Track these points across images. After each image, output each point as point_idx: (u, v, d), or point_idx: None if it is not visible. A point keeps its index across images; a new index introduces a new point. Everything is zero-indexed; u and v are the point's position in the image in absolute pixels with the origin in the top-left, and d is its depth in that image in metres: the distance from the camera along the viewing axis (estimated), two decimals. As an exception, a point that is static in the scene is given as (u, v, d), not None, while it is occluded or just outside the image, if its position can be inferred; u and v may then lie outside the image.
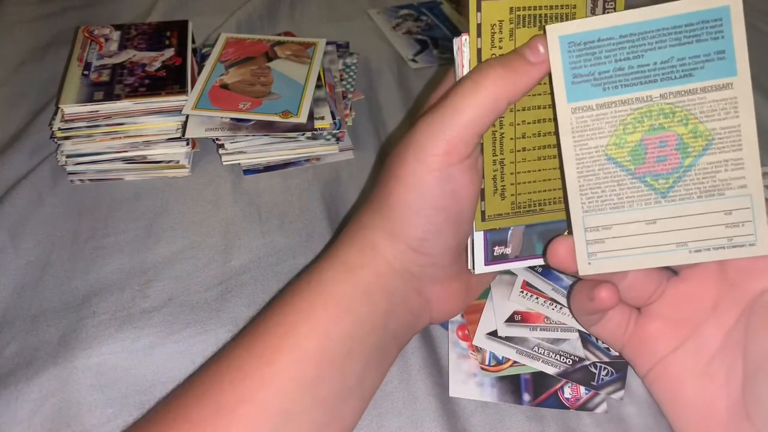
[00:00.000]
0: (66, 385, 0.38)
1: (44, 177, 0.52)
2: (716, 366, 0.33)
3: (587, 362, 0.39)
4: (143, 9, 0.72)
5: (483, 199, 0.35)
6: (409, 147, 0.32)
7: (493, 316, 0.41)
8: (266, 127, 0.51)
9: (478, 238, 0.36)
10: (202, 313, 0.42)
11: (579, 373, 0.39)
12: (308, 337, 0.31)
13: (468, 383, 0.39)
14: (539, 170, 0.35)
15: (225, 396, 0.30)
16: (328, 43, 0.61)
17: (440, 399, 0.38)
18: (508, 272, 0.43)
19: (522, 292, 0.42)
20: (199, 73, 0.55)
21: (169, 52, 0.56)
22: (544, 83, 0.34)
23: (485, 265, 0.36)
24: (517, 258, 0.37)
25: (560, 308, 0.41)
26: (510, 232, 0.36)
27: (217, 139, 0.52)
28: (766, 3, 0.73)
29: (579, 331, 0.40)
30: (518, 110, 0.34)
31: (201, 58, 0.59)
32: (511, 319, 0.41)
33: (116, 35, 0.58)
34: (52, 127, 0.51)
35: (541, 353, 0.39)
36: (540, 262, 0.37)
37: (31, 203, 0.50)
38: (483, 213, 0.35)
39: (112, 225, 0.49)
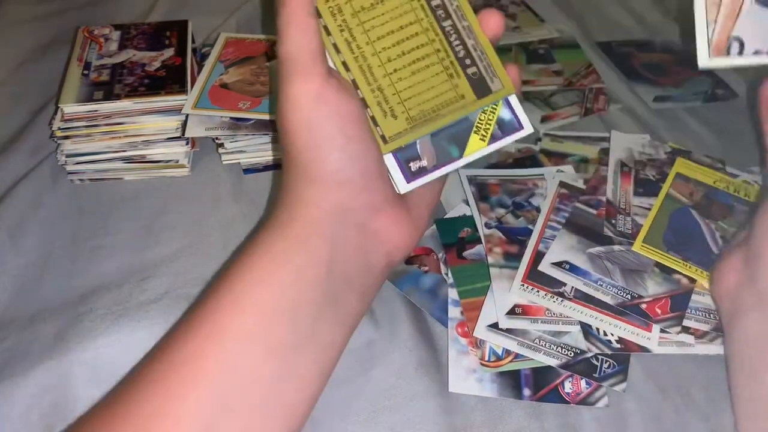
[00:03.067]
0: (63, 380, 0.38)
1: (44, 177, 0.52)
2: None
3: (589, 354, 0.39)
4: (143, 9, 0.72)
5: (377, 125, 0.36)
6: (281, 96, 0.34)
7: (494, 308, 0.41)
8: (266, 127, 0.51)
9: (389, 160, 0.37)
10: (201, 308, 0.42)
11: (581, 365, 0.39)
12: (249, 292, 0.32)
13: (468, 379, 0.39)
14: (420, 82, 0.36)
15: (174, 355, 0.31)
16: (327, 43, 0.61)
17: (440, 395, 0.38)
18: (509, 267, 0.43)
19: (523, 285, 0.42)
20: (199, 72, 0.56)
21: (169, 52, 0.57)
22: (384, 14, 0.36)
23: (407, 182, 0.37)
24: (435, 167, 0.37)
25: (561, 301, 0.41)
26: (418, 145, 0.37)
27: (216, 139, 0.52)
28: (765, 2, 0.73)
29: (580, 324, 0.40)
30: (374, 41, 0.36)
31: (201, 58, 0.60)
32: (512, 312, 0.41)
33: (116, 35, 0.58)
34: (51, 127, 0.51)
35: (542, 345, 0.39)
36: (460, 164, 0.37)
37: (31, 203, 0.50)
38: (383, 137, 0.36)
39: (112, 224, 0.49)
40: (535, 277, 0.42)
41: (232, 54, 0.58)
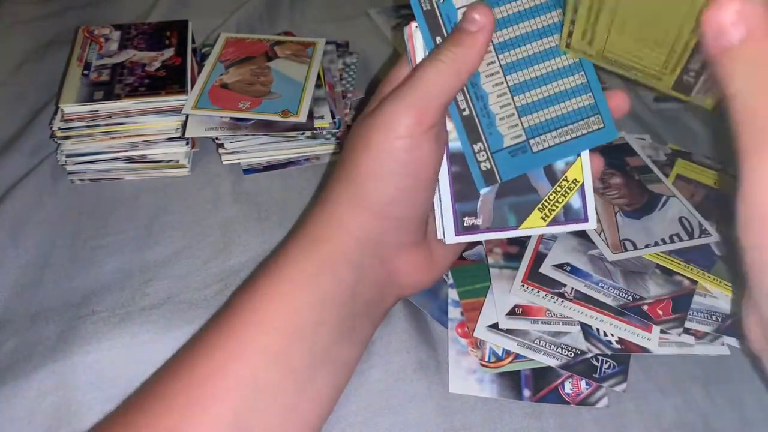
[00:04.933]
0: (65, 382, 0.38)
1: (44, 177, 0.52)
2: None
3: (589, 355, 0.39)
4: (143, 9, 0.72)
5: (572, 23, 0.33)
6: (379, 117, 0.33)
7: (494, 309, 0.41)
8: (266, 127, 0.51)
9: (447, 207, 0.36)
10: (202, 310, 0.42)
11: (581, 365, 0.39)
12: (274, 310, 0.32)
13: (468, 379, 0.39)
14: (639, 40, 0.31)
15: (196, 370, 0.31)
16: (327, 43, 0.61)
17: (440, 395, 0.38)
18: (509, 267, 0.43)
19: (523, 285, 0.42)
20: (199, 72, 0.55)
21: (169, 52, 0.56)
22: None
23: (456, 235, 0.37)
24: (488, 229, 0.37)
25: (561, 301, 0.41)
26: (479, 202, 0.36)
27: (216, 139, 0.52)
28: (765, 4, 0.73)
29: (580, 324, 0.40)
30: None
31: (201, 58, 0.59)
32: (512, 312, 0.41)
33: (116, 35, 0.58)
34: (52, 127, 0.51)
35: (542, 346, 0.39)
36: (512, 234, 0.37)
37: (31, 203, 0.50)
38: (569, 42, 0.34)
39: (112, 224, 0.49)
40: (535, 278, 0.42)
41: (233, 54, 0.58)
